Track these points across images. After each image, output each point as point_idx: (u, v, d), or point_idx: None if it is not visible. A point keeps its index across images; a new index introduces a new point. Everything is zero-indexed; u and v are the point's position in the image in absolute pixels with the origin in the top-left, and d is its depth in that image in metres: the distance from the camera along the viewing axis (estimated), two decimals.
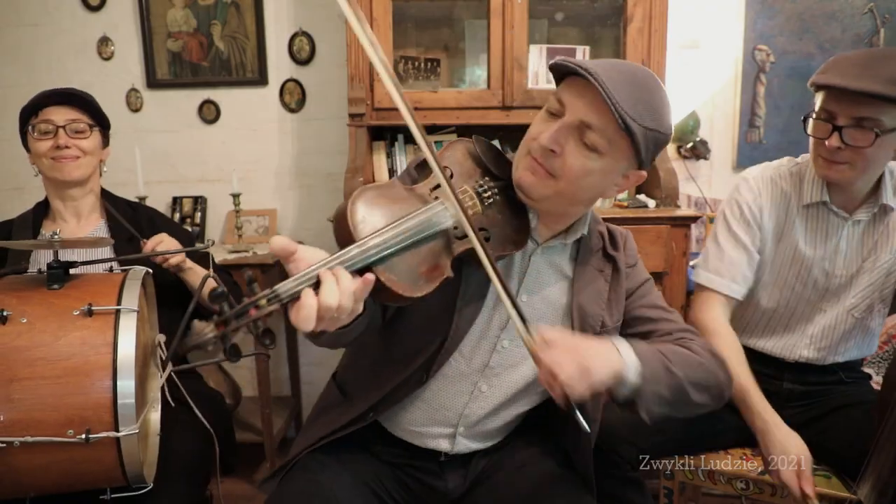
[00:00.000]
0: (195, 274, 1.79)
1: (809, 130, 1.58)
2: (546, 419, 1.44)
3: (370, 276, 0.97)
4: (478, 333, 1.29)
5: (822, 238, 1.67)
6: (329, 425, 1.34)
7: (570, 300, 1.32)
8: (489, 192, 1.23)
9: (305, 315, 0.91)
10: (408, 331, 1.29)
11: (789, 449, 1.50)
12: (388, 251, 1.03)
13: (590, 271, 1.35)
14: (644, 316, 1.37)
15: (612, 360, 1.12)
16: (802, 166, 1.70)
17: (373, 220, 1.06)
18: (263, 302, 0.91)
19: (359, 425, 1.32)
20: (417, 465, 1.37)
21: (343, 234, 1.04)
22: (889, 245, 1.65)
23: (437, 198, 1.15)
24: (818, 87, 1.54)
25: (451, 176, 1.22)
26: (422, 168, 1.25)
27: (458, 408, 1.32)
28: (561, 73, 1.21)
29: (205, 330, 0.89)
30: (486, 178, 1.26)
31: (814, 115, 1.56)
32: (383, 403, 1.31)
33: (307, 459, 1.32)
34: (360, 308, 0.98)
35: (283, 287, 0.93)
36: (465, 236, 1.12)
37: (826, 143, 1.52)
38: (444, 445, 1.35)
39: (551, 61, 1.19)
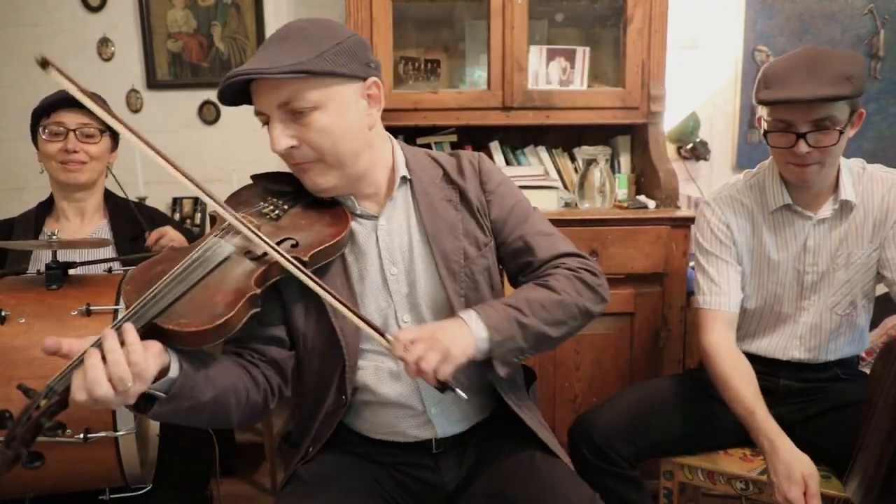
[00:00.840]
0: None
1: (772, 143, 1.62)
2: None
3: (127, 332, 0.95)
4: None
5: (791, 240, 1.71)
6: (286, 473, 1.36)
7: (430, 244, 1.31)
8: (273, 207, 1.25)
9: (80, 396, 0.92)
10: (310, 370, 1.31)
11: (795, 468, 1.44)
12: (167, 300, 1.02)
13: (436, 204, 1.33)
14: (517, 248, 1.36)
15: (466, 338, 1.16)
16: (760, 176, 1.75)
17: (147, 285, 1.05)
18: (43, 403, 0.93)
19: (305, 461, 1.33)
20: (411, 461, 1.36)
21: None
22: (860, 240, 1.67)
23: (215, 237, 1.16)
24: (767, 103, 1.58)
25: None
26: (212, 222, 1.27)
27: (414, 392, 1.31)
28: (234, 93, 1.20)
29: None
30: (274, 199, 1.27)
31: (768, 128, 1.61)
32: (318, 437, 1.33)
33: (302, 473, 1.32)
34: (150, 371, 0.96)
35: (55, 379, 0.94)
36: (263, 255, 1.12)
37: (794, 150, 1.56)
38: (426, 433, 1.34)
39: (221, 89, 1.17)
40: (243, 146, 2.96)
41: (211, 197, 1.11)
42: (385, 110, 2.38)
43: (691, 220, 2.33)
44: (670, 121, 2.71)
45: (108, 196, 1.92)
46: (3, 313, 1.31)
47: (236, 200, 1.29)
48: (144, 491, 1.42)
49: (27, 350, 1.29)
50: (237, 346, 1.24)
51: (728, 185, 1.80)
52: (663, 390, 1.81)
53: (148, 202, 2.25)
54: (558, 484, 1.27)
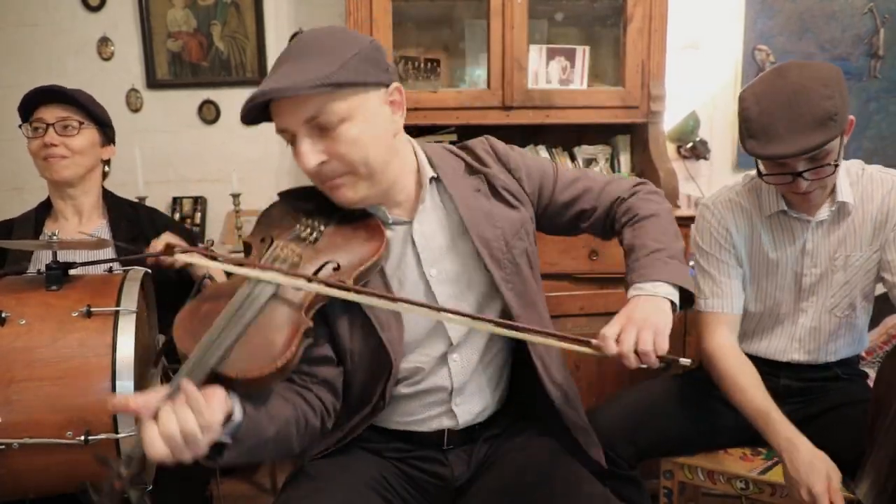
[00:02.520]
0: (202, 268, 1.78)
1: (770, 182, 1.61)
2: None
3: (190, 388, 0.94)
4: (422, 333, 1.29)
5: (788, 241, 1.69)
6: (312, 450, 1.35)
7: (470, 237, 1.30)
8: (312, 228, 1.23)
9: (153, 453, 0.91)
10: (355, 383, 1.30)
11: (819, 467, 1.45)
12: (223, 347, 1.01)
13: (468, 196, 1.33)
14: (565, 200, 1.41)
15: (665, 307, 1.19)
16: (757, 180, 1.70)
17: (199, 330, 1.04)
18: (124, 471, 0.92)
19: (324, 454, 1.33)
20: (420, 455, 1.37)
21: (182, 358, 1.03)
22: (858, 242, 1.66)
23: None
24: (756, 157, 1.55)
25: (271, 242, 1.21)
26: (247, 250, 1.25)
27: (446, 385, 1.33)
28: (258, 113, 1.16)
29: None
30: (308, 220, 1.25)
31: (765, 173, 1.58)
32: (350, 433, 1.33)
33: (309, 467, 1.32)
34: (218, 422, 0.96)
35: (132, 448, 0.94)
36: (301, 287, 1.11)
37: (793, 187, 1.54)
38: (447, 423, 1.35)
39: (243, 113, 1.14)
40: (243, 146, 2.96)
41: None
42: None
43: (692, 219, 2.32)
44: (670, 120, 2.71)
45: (107, 196, 1.92)
46: (3, 315, 1.31)
47: (268, 222, 1.27)
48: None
49: (28, 352, 1.29)
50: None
51: (727, 188, 1.78)
52: (663, 390, 1.81)
53: (148, 202, 2.25)
54: (571, 482, 1.28)
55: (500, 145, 1.41)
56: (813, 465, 1.45)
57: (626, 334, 1.11)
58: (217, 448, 1.01)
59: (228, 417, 1.00)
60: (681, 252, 1.29)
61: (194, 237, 2.20)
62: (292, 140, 1.17)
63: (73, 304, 1.35)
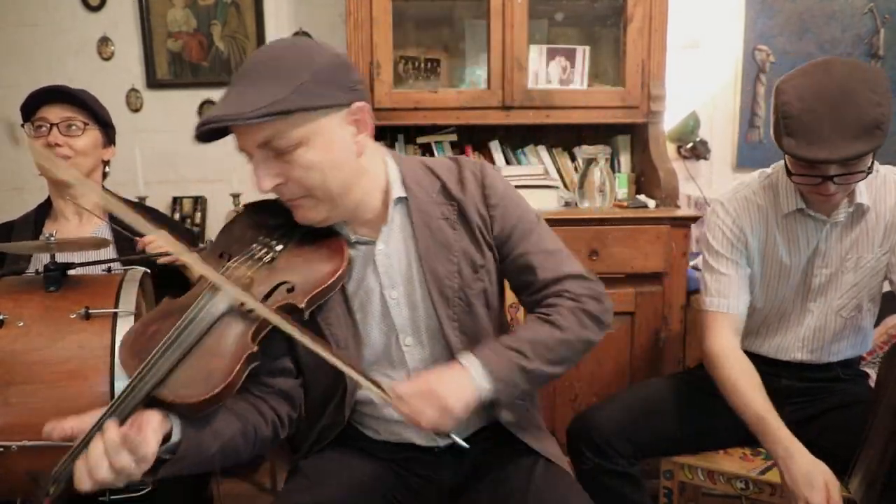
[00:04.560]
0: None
1: (796, 181, 1.56)
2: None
3: (124, 429, 0.95)
4: (377, 352, 1.28)
5: (803, 243, 1.67)
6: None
7: (421, 267, 1.26)
8: (266, 248, 1.20)
9: (84, 486, 0.92)
10: (313, 392, 1.30)
11: (816, 476, 1.41)
12: (163, 370, 1.00)
13: (431, 224, 1.27)
14: (519, 265, 1.30)
15: (466, 388, 1.14)
16: (774, 177, 1.69)
17: (146, 348, 1.03)
18: (52, 490, 0.93)
19: (305, 457, 1.35)
20: (413, 457, 1.36)
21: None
22: (870, 244, 1.65)
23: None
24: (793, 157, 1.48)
25: (230, 257, 1.19)
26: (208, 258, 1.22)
27: None
28: (213, 132, 1.13)
29: None
30: (267, 238, 1.22)
31: (792, 171, 1.54)
32: (319, 441, 1.34)
33: (303, 466, 1.33)
34: (151, 451, 0.96)
35: (59, 469, 0.94)
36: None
37: (821, 189, 1.50)
38: (429, 442, 1.34)
39: (196, 134, 1.09)
40: None
41: (205, 268, 1.07)
42: (385, 110, 2.43)
43: (692, 219, 2.33)
44: (670, 120, 2.71)
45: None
46: (1, 316, 1.31)
47: (228, 236, 1.26)
48: (145, 492, 1.41)
49: (26, 354, 1.29)
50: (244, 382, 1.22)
51: (743, 185, 1.74)
52: (663, 389, 1.81)
53: (148, 202, 2.25)
54: (558, 493, 1.27)
55: (492, 174, 1.31)
56: (811, 475, 1.42)
57: (416, 400, 1.10)
58: (155, 464, 1.00)
59: (168, 437, 1.01)
60: (536, 376, 1.21)
61: (194, 237, 2.20)
62: (250, 159, 1.14)
63: (71, 306, 1.34)
